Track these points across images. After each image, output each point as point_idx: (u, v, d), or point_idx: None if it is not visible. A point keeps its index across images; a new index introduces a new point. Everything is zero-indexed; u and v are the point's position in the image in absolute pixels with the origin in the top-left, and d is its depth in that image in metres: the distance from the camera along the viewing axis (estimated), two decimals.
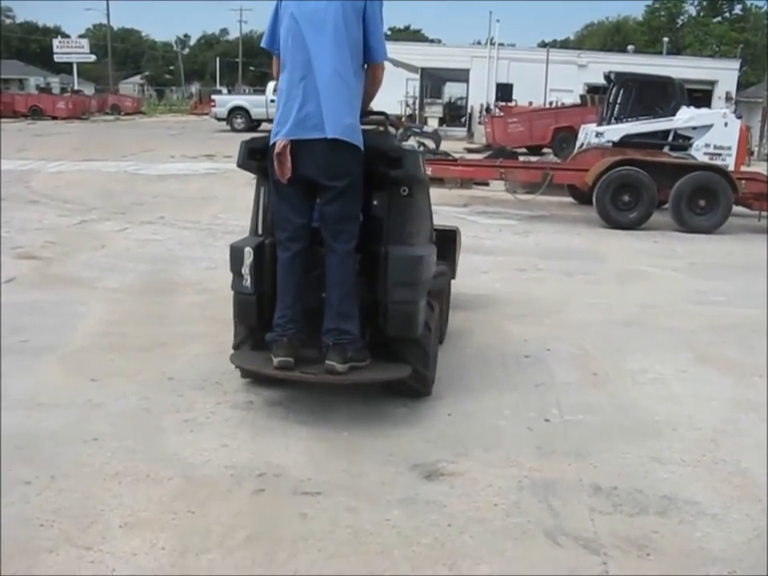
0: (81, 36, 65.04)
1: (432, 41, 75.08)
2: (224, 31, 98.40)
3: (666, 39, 48.92)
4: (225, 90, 53.43)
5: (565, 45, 69.90)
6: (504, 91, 31.46)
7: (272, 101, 30.75)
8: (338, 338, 3.97)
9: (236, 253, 4.20)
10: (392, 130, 4.68)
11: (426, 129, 19.32)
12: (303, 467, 3.59)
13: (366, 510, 3.26)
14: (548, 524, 3.20)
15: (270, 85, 32.59)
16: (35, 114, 38.60)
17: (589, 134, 14.74)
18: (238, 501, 3.30)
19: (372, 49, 4.10)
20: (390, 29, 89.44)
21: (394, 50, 35.72)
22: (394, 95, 39.39)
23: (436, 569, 2.89)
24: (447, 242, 5.65)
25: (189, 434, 3.87)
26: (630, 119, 14.39)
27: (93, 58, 53.30)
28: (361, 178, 4.00)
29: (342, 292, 4.00)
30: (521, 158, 15.42)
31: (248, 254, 4.15)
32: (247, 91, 48.85)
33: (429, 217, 4.72)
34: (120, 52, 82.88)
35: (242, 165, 4.31)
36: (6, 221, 9.86)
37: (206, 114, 37.10)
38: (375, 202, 4.16)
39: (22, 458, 3.60)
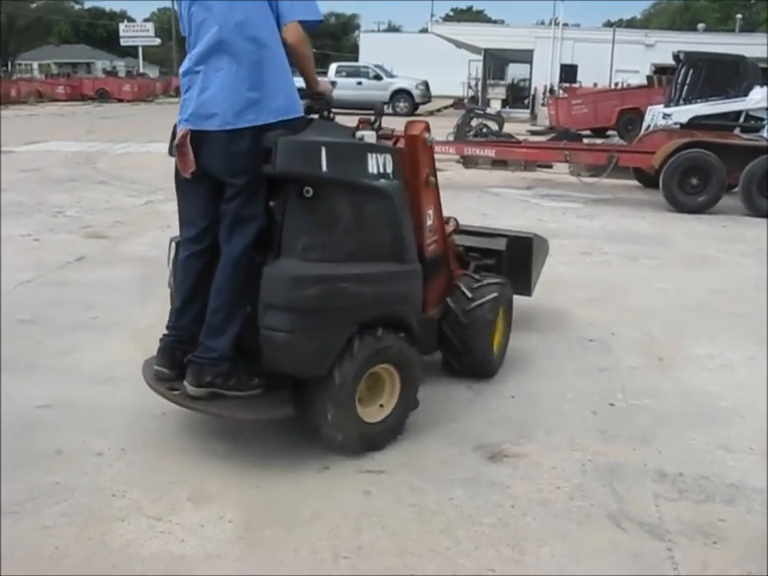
0: (146, 20, 65.74)
1: (495, 21, 74.42)
2: None
3: (738, 16, 47.47)
4: None
5: (631, 24, 68.38)
6: (568, 72, 30.96)
7: (333, 82, 30.97)
8: (196, 356, 3.47)
9: (169, 245, 3.94)
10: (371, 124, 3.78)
11: (488, 110, 19.15)
12: None
13: (430, 489, 3.29)
14: (612, 508, 3.18)
15: (333, 66, 32.71)
16: (102, 96, 39.28)
17: (656, 115, 14.45)
18: (303, 478, 3.36)
19: (280, 7, 3.41)
20: (452, 9, 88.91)
21: (456, 31, 35.41)
22: (456, 77, 39.30)
23: (499, 549, 2.91)
24: (518, 252, 5.06)
25: None
26: (699, 100, 14.06)
27: (158, 41, 53.91)
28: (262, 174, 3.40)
29: (218, 302, 3.44)
30: (585, 141, 15.20)
31: (173, 248, 3.87)
32: None
33: (390, 228, 3.53)
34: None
35: (171, 153, 3.63)
36: (76, 200, 10.11)
37: None
38: (271, 204, 3.47)
39: (95, 430, 3.72)
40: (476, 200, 10.83)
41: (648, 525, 3.07)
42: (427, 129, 3.98)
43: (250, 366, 3.48)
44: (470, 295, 4.24)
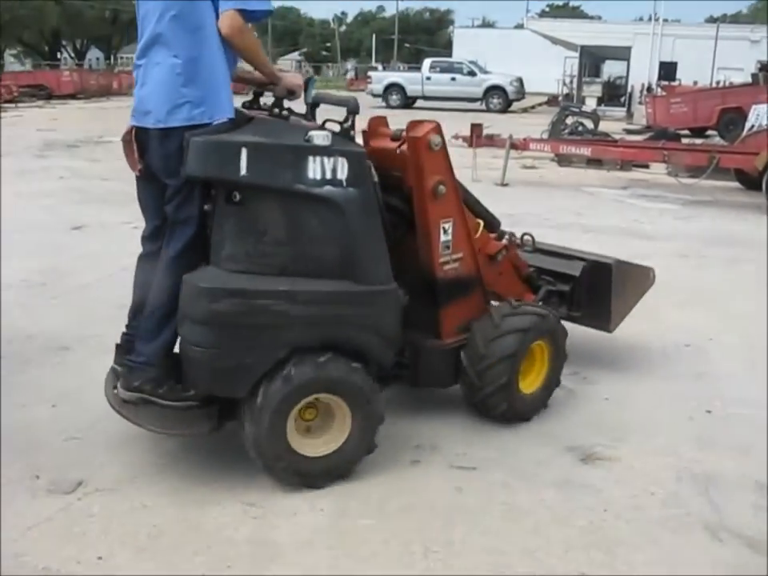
0: None
1: (592, 17, 73.13)
2: (380, 8, 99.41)
3: None
4: (380, 67, 53.85)
5: (736, 19, 66.37)
6: (667, 70, 30.22)
7: (428, 78, 30.95)
8: (128, 359, 3.36)
9: None
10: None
11: (584, 108, 18.87)
12: (459, 442, 3.63)
13: (521, 489, 3.27)
14: (708, 518, 3.11)
15: (427, 62, 32.69)
16: None
17: (761, 115, 13.96)
18: (394, 470, 3.39)
19: None
20: (548, 5, 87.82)
21: (551, 27, 35.03)
22: (551, 73, 38.82)
23: (591, 552, 2.88)
24: (596, 279, 4.34)
25: None
26: None
27: (254, 35, 54.85)
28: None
29: (152, 306, 3.29)
30: (684, 141, 14.83)
31: None
32: (402, 68, 49.09)
33: (339, 242, 3.12)
34: (279, 29, 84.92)
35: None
36: None
37: (362, 90, 37.55)
38: (206, 207, 3.21)
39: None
40: (570, 199, 10.69)
41: (746, 537, 2.99)
42: (436, 130, 3.48)
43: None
44: (497, 323, 3.70)
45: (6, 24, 44.75)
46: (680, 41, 31.57)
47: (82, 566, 2.73)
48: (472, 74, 31.08)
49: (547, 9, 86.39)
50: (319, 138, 3.04)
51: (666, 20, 34.54)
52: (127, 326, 3.53)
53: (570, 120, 15.67)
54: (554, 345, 3.92)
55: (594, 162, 12.19)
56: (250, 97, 3.57)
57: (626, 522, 3.07)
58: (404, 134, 3.51)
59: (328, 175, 3.06)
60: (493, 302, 3.92)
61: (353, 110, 3.20)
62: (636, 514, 3.12)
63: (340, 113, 3.25)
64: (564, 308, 4.38)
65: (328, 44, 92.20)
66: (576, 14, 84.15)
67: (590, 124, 15.62)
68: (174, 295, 3.19)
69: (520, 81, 31.25)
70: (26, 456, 3.42)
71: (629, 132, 21.05)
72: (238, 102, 3.42)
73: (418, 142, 3.43)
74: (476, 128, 12.05)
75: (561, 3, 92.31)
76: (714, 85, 28.00)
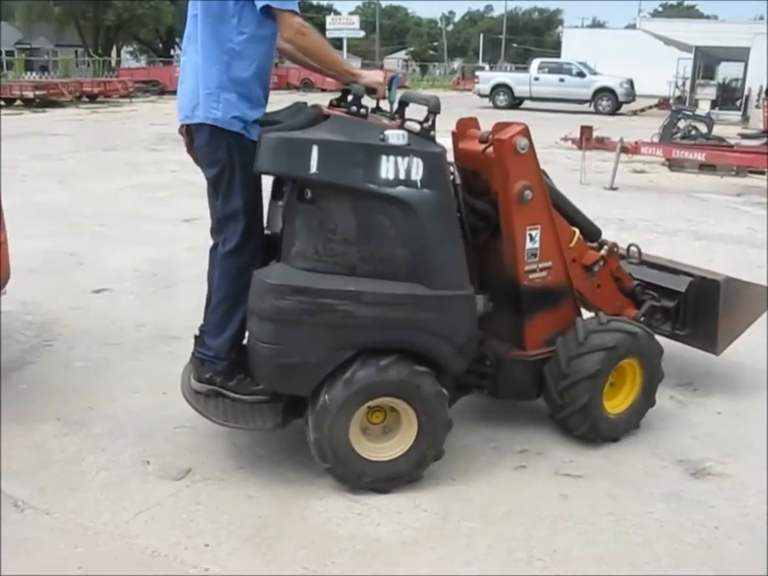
0: (351, 13, 67.66)
1: (707, 17, 70.97)
2: (488, 8, 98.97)
3: None
4: (487, 67, 53.58)
5: None
6: None
7: (536, 79, 30.58)
8: (199, 351, 3.49)
9: None
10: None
11: (697, 112, 18.32)
12: (565, 449, 3.57)
13: (628, 500, 3.19)
14: None
15: (535, 62, 32.31)
16: (306, 86, 40.68)
17: None
18: (499, 474, 3.36)
19: None
20: (661, 5, 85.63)
21: (665, 27, 34.03)
22: (663, 75, 37.82)
23: (701, 570, 2.79)
24: (703, 297, 4.08)
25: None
26: None
27: (362, 33, 55.28)
28: (237, 168, 3.22)
29: (215, 301, 3.39)
30: None
31: None
32: (509, 68, 48.70)
33: (411, 244, 3.04)
34: (386, 28, 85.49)
35: None
36: None
37: (468, 89, 37.39)
38: (280, 203, 3.26)
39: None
40: (681, 204, 10.38)
41: None
42: (523, 133, 3.37)
43: None
44: (581, 339, 3.50)
45: (125, 23, 46.46)
46: None
47: (189, 552, 2.80)
48: (581, 75, 30.53)
49: (660, 9, 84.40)
50: (395, 137, 2.99)
51: None
52: (204, 322, 3.59)
53: (682, 124, 15.21)
54: (646, 364, 3.67)
55: (706, 168, 11.79)
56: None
57: (739, 541, 2.96)
58: (491, 136, 3.43)
59: (401, 175, 3.00)
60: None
61: (434, 109, 3.12)
62: (749, 534, 3.01)
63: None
64: (669, 325, 4.17)
65: (435, 43, 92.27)
66: (691, 13, 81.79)
67: (703, 128, 15.12)
68: (236, 290, 3.26)
69: (630, 83, 30.52)
70: (137, 442, 3.54)
71: (744, 137, 20.27)
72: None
73: (503, 145, 3.34)
74: (586, 130, 11.84)
75: (675, 3, 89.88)
76: None
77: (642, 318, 3.99)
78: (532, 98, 30.69)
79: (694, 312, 4.10)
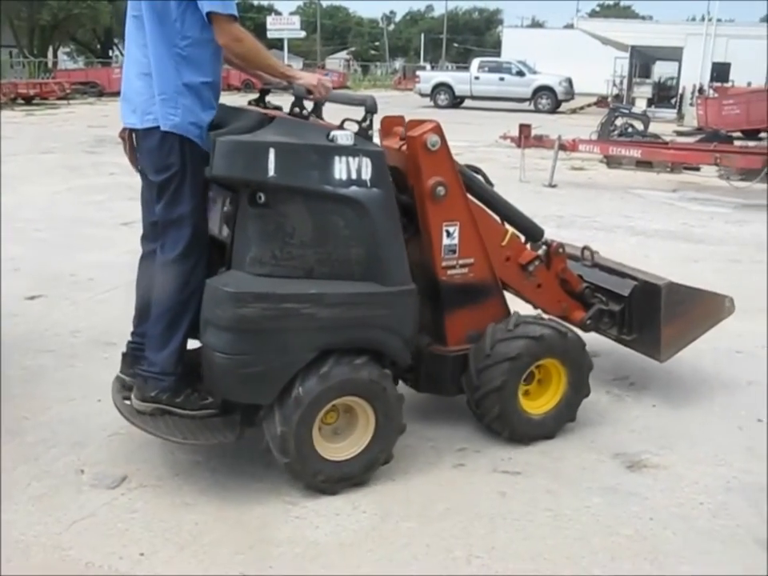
0: (292, 13, 67.38)
1: (643, 17, 72.28)
2: (429, 8, 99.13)
3: None
4: (428, 67, 53.80)
5: None
6: (720, 71, 29.67)
7: (476, 78, 30.79)
8: (141, 369, 3.29)
9: None
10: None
11: (634, 110, 18.62)
12: (503, 446, 3.59)
13: (566, 495, 3.23)
14: (759, 531, 3.03)
15: (475, 61, 32.55)
16: (248, 87, 40.34)
17: None
18: (438, 473, 3.36)
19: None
20: (598, 5, 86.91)
21: (602, 27, 34.60)
22: (601, 74, 38.39)
23: (636, 562, 2.82)
24: (646, 302, 3.99)
25: None
26: None
27: (303, 34, 54.94)
28: (188, 173, 3.11)
29: (157, 313, 3.21)
30: (736, 143, 14.55)
31: None
32: (450, 68, 48.95)
33: (364, 244, 3.09)
34: (328, 28, 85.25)
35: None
36: None
37: (410, 89, 37.52)
38: (225, 209, 3.15)
39: None
40: (618, 200, 10.55)
41: None
42: (435, 130, 3.36)
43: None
44: (488, 351, 3.48)
45: (61, 22, 45.56)
46: (734, 41, 30.95)
47: (124, 561, 2.75)
48: (521, 74, 30.86)
49: (597, 9, 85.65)
50: (343, 137, 3.00)
51: (719, 20, 33.92)
52: (132, 334, 3.48)
53: (619, 121, 15.46)
54: (566, 360, 3.63)
55: (643, 164, 11.99)
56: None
57: (674, 532, 3.01)
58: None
59: (353, 175, 3.02)
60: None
61: (370, 108, 3.13)
62: (683, 524, 3.06)
63: (358, 112, 3.20)
64: (615, 330, 4.14)
65: (376, 43, 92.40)
66: (627, 13, 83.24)
67: (639, 125, 15.38)
68: (180, 299, 3.16)
69: (569, 81, 30.94)
70: (71, 451, 3.47)
71: (679, 134, 20.74)
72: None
73: (415, 142, 3.35)
74: (524, 128, 11.96)
75: (611, 3, 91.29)
76: None
77: (589, 322, 4.01)
78: (473, 97, 30.93)
79: (639, 317, 4.05)
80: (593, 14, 69.48)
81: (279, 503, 3.10)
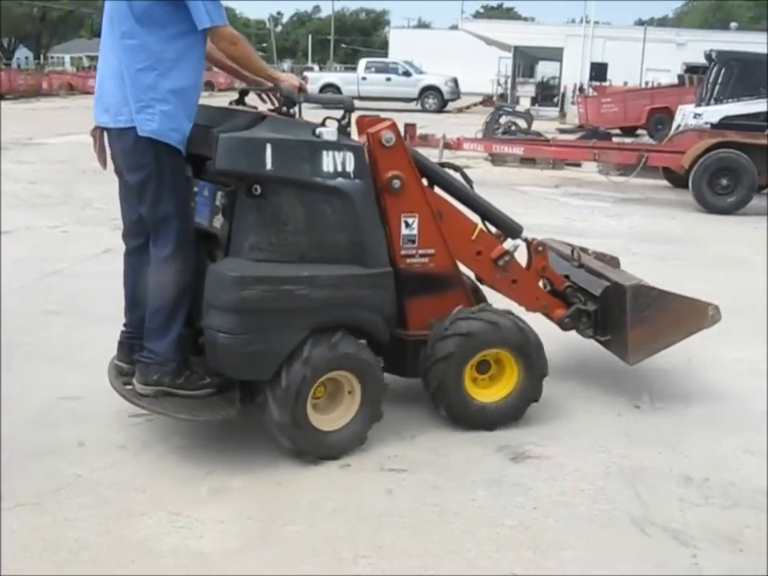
0: None
1: (525, 19, 74.06)
2: (316, 9, 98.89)
3: None
4: (316, 68, 53.76)
5: (663, 22, 67.91)
6: (598, 71, 30.71)
7: (363, 78, 30.93)
8: (142, 356, 3.47)
9: None
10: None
11: (517, 108, 19.06)
12: (390, 444, 3.61)
13: (452, 489, 3.26)
14: (635, 512, 3.14)
15: (362, 62, 32.69)
16: (207, 86, 39.49)
17: (686, 115, 14.29)
18: (324, 474, 3.35)
19: (193, 14, 3.22)
20: (482, 6, 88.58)
21: (486, 27, 35.33)
22: (486, 74, 39.16)
23: (520, 551, 2.88)
24: (613, 302, 4.06)
25: None
26: (730, 100, 13.88)
27: None
28: (164, 172, 3.27)
29: (155, 306, 3.40)
30: (614, 140, 15.08)
31: None
32: (339, 69, 49.00)
33: (349, 230, 3.39)
34: None
35: None
36: (105, 193, 10.14)
37: None
38: (218, 203, 3.43)
39: (118, 423, 3.74)
40: (504, 197, 10.69)
41: (672, 530, 3.03)
42: (390, 128, 3.61)
43: (203, 364, 3.44)
44: (446, 325, 3.65)
45: None
46: (610, 42, 32.13)
47: None
48: (407, 74, 31.18)
49: (482, 10, 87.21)
50: (328, 133, 3.32)
51: (596, 22, 35.16)
52: (125, 324, 3.69)
53: (503, 120, 15.81)
54: (519, 355, 3.75)
55: (527, 161, 12.31)
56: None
57: (556, 519, 3.09)
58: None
59: (339, 168, 3.33)
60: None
61: (349, 107, 3.48)
62: (565, 511, 3.14)
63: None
64: (591, 330, 4.22)
65: (264, 44, 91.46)
66: (510, 15, 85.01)
67: (523, 124, 15.78)
68: (177, 292, 3.36)
69: (455, 81, 31.46)
70: None
71: (561, 131, 21.35)
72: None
73: (372, 138, 3.59)
74: (409, 128, 12.06)
75: (495, 4, 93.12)
76: (642, 86, 28.55)
77: (567, 320, 4.14)
78: (360, 98, 31.00)
79: (611, 318, 4.11)
80: (477, 16, 70.71)
81: (163, 515, 3.03)
